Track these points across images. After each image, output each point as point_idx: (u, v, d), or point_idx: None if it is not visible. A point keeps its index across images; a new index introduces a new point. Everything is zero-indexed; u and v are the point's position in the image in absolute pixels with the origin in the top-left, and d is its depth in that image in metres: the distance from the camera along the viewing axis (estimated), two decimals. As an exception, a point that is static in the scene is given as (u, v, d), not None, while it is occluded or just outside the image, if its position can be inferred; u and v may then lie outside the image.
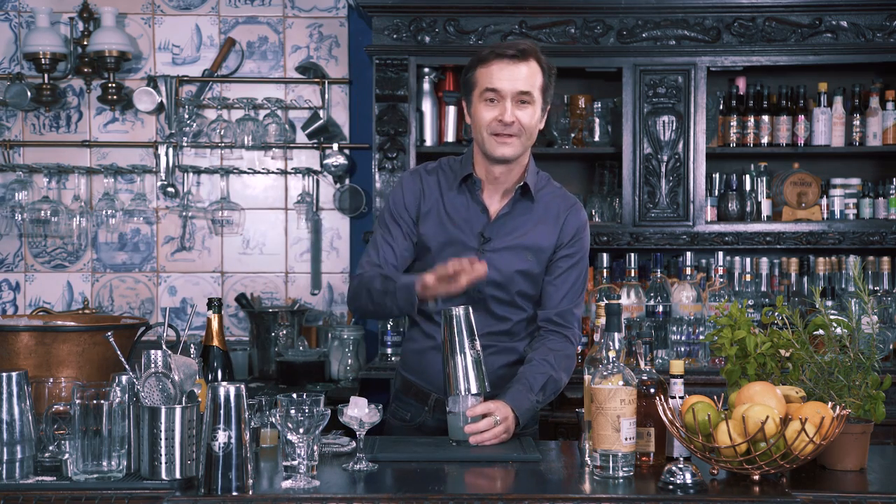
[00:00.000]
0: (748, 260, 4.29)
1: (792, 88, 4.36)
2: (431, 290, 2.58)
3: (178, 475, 2.15)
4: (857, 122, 4.29)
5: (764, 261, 4.26)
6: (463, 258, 2.55)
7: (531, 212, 2.79)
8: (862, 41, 4.13)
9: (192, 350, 2.45)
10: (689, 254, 4.08)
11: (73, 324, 2.78)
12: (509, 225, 2.78)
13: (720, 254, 4.07)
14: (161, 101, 4.52)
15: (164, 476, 2.14)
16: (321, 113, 4.56)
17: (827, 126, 4.28)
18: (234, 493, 2.08)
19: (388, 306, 2.71)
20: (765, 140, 4.31)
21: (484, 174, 2.78)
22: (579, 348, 3.93)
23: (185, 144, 4.58)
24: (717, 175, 4.38)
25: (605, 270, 4.08)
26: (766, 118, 4.30)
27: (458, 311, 2.57)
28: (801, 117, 4.30)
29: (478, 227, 2.77)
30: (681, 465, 2.12)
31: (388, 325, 4.14)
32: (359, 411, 2.35)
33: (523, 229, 2.77)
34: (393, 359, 4.12)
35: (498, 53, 2.67)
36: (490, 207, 2.79)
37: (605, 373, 2.23)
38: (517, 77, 2.66)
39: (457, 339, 2.57)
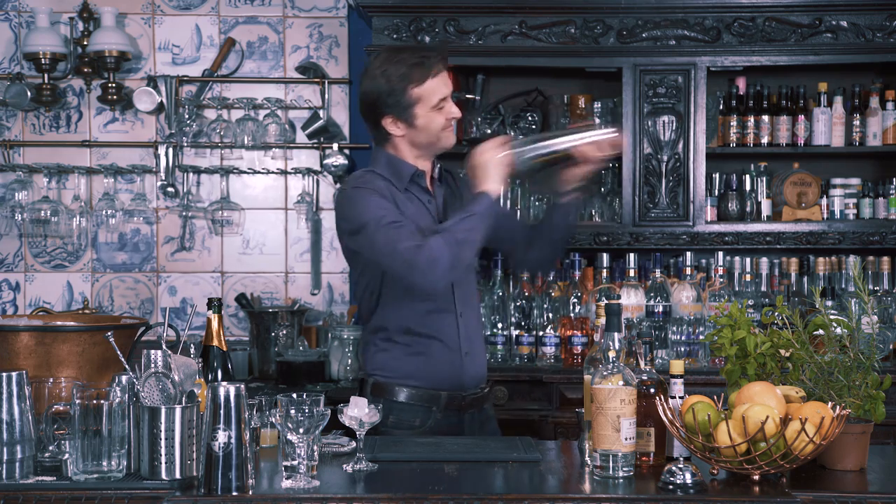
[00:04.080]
0: (748, 260, 4.29)
1: (792, 88, 4.36)
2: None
3: (178, 475, 2.15)
4: (857, 122, 4.29)
5: (764, 261, 4.26)
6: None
7: (446, 184, 3.01)
8: (862, 41, 4.13)
9: (192, 350, 2.45)
10: (689, 254, 4.08)
11: (73, 324, 2.77)
12: (452, 206, 2.94)
13: (720, 254, 4.07)
14: (161, 101, 4.52)
15: (164, 476, 2.14)
16: (321, 113, 4.56)
17: (827, 126, 4.28)
18: (234, 493, 2.08)
19: (478, 240, 2.76)
20: (765, 140, 4.31)
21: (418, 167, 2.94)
22: (578, 348, 3.97)
23: (185, 144, 4.58)
24: (717, 175, 4.38)
25: (605, 270, 4.08)
26: (766, 118, 4.30)
27: None
28: (801, 117, 4.30)
29: (433, 218, 2.88)
30: (681, 465, 2.12)
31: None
32: (359, 411, 2.35)
33: (458, 201, 2.95)
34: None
35: (432, 64, 2.83)
36: (434, 195, 2.95)
37: (605, 373, 2.23)
38: (447, 79, 2.87)
39: None
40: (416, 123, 2.85)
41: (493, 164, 2.76)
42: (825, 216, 4.30)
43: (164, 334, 2.31)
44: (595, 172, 2.92)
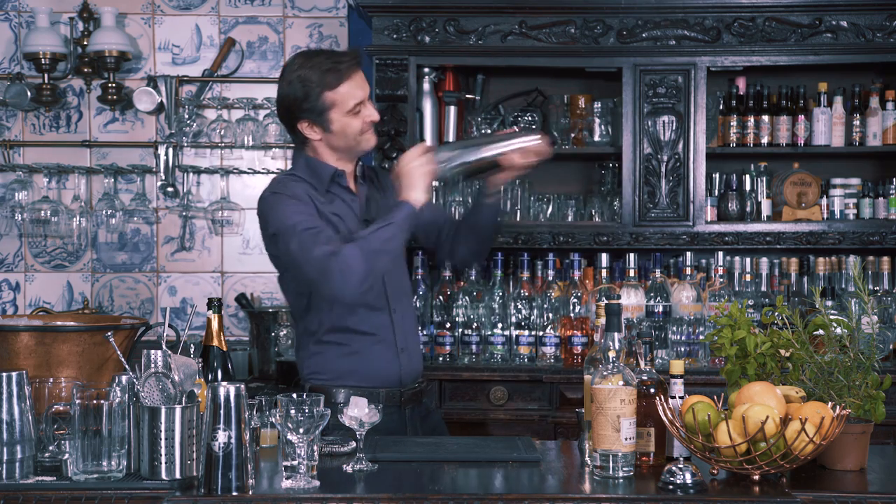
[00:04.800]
0: (748, 260, 4.29)
1: (792, 88, 4.36)
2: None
3: (177, 475, 2.15)
4: (857, 122, 4.29)
5: (764, 261, 4.26)
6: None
7: (368, 182, 3.00)
8: (862, 41, 4.13)
9: (192, 350, 2.45)
10: (689, 254, 4.08)
11: (73, 324, 2.78)
12: (374, 202, 2.95)
13: (720, 254, 4.07)
14: (161, 101, 4.52)
15: (163, 476, 2.14)
16: (321, 113, 4.55)
17: (827, 126, 4.28)
18: (234, 493, 2.08)
19: (395, 249, 2.76)
20: (765, 140, 4.31)
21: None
22: (578, 348, 3.97)
23: (185, 144, 4.58)
24: (717, 175, 4.38)
25: (605, 270, 4.07)
26: (766, 118, 4.30)
27: None
28: (801, 117, 4.30)
29: (357, 217, 2.89)
30: (681, 465, 2.12)
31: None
32: (359, 411, 2.35)
33: (380, 201, 2.96)
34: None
35: (345, 68, 2.82)
36: (357, 194, 2.95)
37: (605, 373, 2.23)
38: (363, 82, 2.87)
39: None
40: (332, 128, 2.85)
41: (418, 172, 2.76)
42: (825, 216, 4.30)
43: (164, 334, 2.31)
44: (518, 177, 2.93)
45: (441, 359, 4.04)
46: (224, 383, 2.12)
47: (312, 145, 2.89)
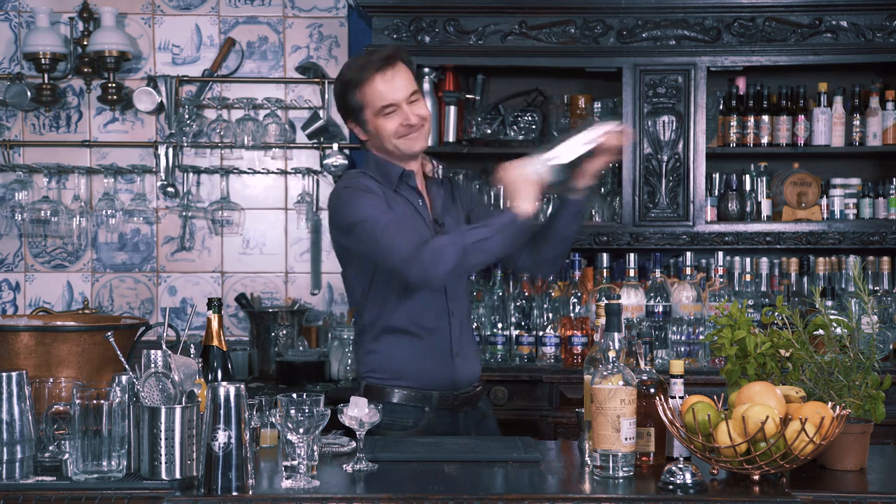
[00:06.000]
0: (748, 260, 4.29)
1: (792, 88, 4.36)
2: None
3: (177, 475, 2.15)
4: (857, 122, 4.29)
5: (764, 261, 4.26)
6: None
7: (444, 188, 2.97)
8: (862, 41, 4.13)
9: (192, 350, 2.45)
10: (689, 254, 4.08)
11: (73, 324, 2.77)
12: (447, 209, 2.93)
13: (720, 254, 4.07)
14: (161, 101, 4.52)
15: (163, 476, 2.14)
16: (321, 113, 4.56)
17: (827, 126, 4.28)
18: (234, 493, 2.08)
19: (490, 251, 2.71)
20: (765, 140, 4.31)
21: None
22: (578, 348, 3.97)
23: (185, 144, 4.58)
24: (717, 175, 4.38)
25: (605, 270, 4.07)
26: (766, 118, 4.30)
27: None
28: (801, 117, 4.30)
29: (427, 216, 2.86)
30: (681, 465, 2.12)
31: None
32: (359, 411, 2.35)
33: (452, 209, 2.94)
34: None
35: (373, 70, 2.79)
36: (425, 196, 2.92)
37: (605, 373, 2.23)
38: (401, 83, 2.81)
39: None
40: (368, 129, 2.85)
41: (523, 183, 2.69)
42: (825, 216, 4.30)
43: (164, 334, 2.31)
44: (606, 166, 2.88)
45: (441, 359, 4.03)
46: (224, 383, 2.12)
47: (368, 145, 2.89)
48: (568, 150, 2.77)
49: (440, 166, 2.97)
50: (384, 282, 2.81)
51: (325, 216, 4.62)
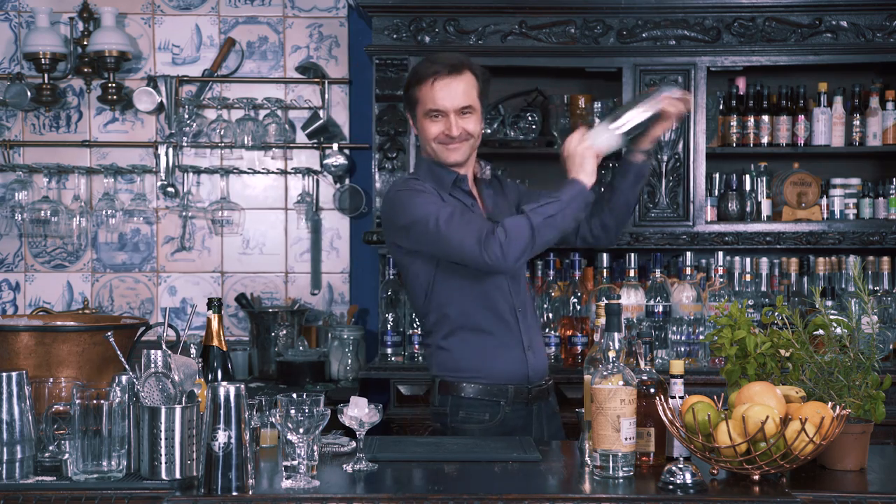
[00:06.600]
0: (748, 260, 4.28)
1: (792, 88, 4.36)
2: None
3: (177, 475, 2.15)
4: (857, 122, 4.29)
5: (764, 261, 4.26)
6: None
7: (493, 186, 3.01)
8: (862, 41, 4.13)
9: (192, 350, 2.45)
10: (689, 254, 4.07)
11: (73, 324, 2.77)
12: (498, 207, 2.94)
13: (720, 254, 4.07)
14: (161, 101, 4.52)
15: (163, 476, 2.14)
16: (321, 113, 4.56)
17: (827, 126, 4.28)
18: (234, 493, 2.08)
19: (561, 225, 2.73)
20: (765, 140, 4.31)
21: None
22: (579, 348, 3.97)
23: (185, 144, 4.58)
24: (717, 175, 4.38)
25: (605, 270, 4.07)
26: (766, 118, 4.30)
27: None
28: (801, 117, 4.30)
29: (481, 216, 2.88)
30: (681, 465, 2.12)
31: (388, 326, 4.13)
32: (359, 411, 2.35)
33: (503, 206, 2.96)
34: (393, 359, 4.10)
35: (434, 72, 2.81)
36: (477, 198, 2.95)
37: (605, 373, 2.23)
38: (456, 94, 2.81)
39: None
40: (416, 125, 2.91)
41: (583, 153, 2.74)
42: (825, 216, 4.30)
43: (164, 334, 2.31)
44: (667, 131, 2.93)
45: (441, 359, 4.03)
46: (224, 383, 2.12)
47: (423, 147, 2.93)
48: (633, 117, 2.80)
49: (488, 166, 2.99)
50: (446, 280, 2.84)
51: (324, 216, 4.63)
